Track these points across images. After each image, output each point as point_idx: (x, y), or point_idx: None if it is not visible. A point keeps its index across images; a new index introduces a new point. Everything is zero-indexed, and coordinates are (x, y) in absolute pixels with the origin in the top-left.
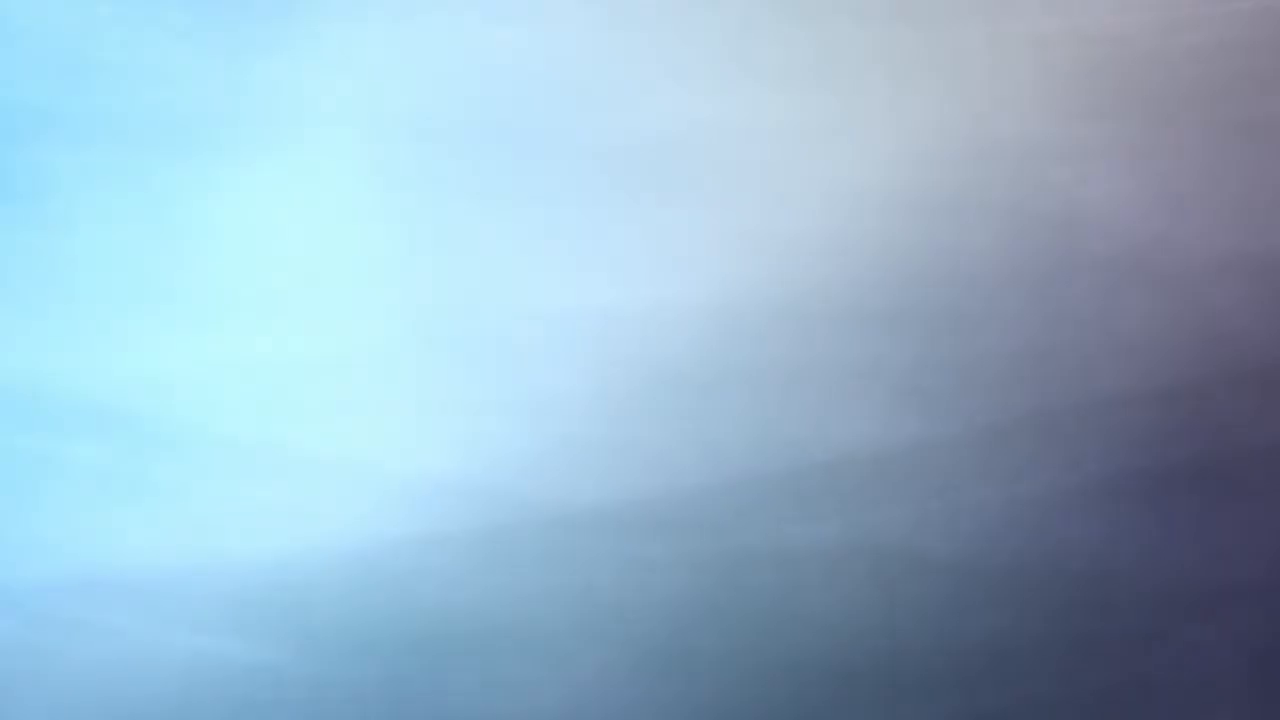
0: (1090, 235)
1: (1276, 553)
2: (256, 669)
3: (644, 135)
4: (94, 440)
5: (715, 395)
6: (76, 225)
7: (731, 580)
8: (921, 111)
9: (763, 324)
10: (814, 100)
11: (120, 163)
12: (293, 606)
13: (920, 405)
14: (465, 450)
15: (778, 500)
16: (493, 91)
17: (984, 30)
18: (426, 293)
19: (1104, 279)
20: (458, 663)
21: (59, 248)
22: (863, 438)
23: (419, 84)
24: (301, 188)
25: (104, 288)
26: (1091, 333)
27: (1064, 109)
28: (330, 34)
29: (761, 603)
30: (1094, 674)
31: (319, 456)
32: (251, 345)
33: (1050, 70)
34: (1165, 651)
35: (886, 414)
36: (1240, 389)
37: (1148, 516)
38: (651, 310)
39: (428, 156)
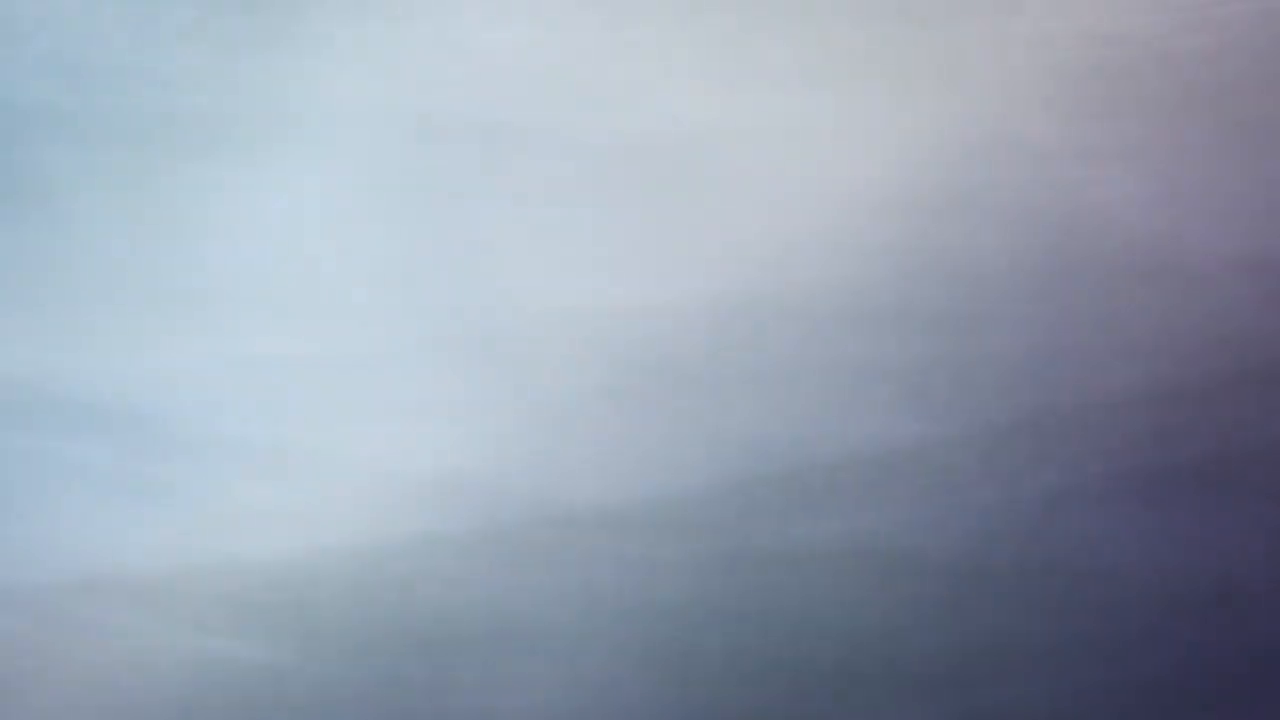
0: (1093, 235)
1: (1277, 552)
2: (257, 669)
3: (645, 135)
4: (96, 440)
5: (715, 395)
6: (79, 225)
7: (733, 580)
8: (924, 112)
9: (764, 324)
10: (815, 101)
11: (123, 163)
12: (294, 606)
13: (921, 405)
14: (467, 450)
15: (779, 500)
16: (495, 92)
17: (986, 30)
18: (428, 293)
19: (1106, 279)
20: (459, 663)
21: (61, 247)
22: (864, 438)
23: (421, 84)
24: (303, 188)
25: (107, 287)
26: (1094, 333)
27: (1067, 109)
28: (330, 34)
29: (763, 603)
30: (1094, 674)
31: (321, 457)
32: (253, 345)
33: (1053, 70)
34: (1165, 651)
35: (887, 414)
36: (1244, 389)
37: (1148, 516)
38: (652, 310)
39: (429, 157)
